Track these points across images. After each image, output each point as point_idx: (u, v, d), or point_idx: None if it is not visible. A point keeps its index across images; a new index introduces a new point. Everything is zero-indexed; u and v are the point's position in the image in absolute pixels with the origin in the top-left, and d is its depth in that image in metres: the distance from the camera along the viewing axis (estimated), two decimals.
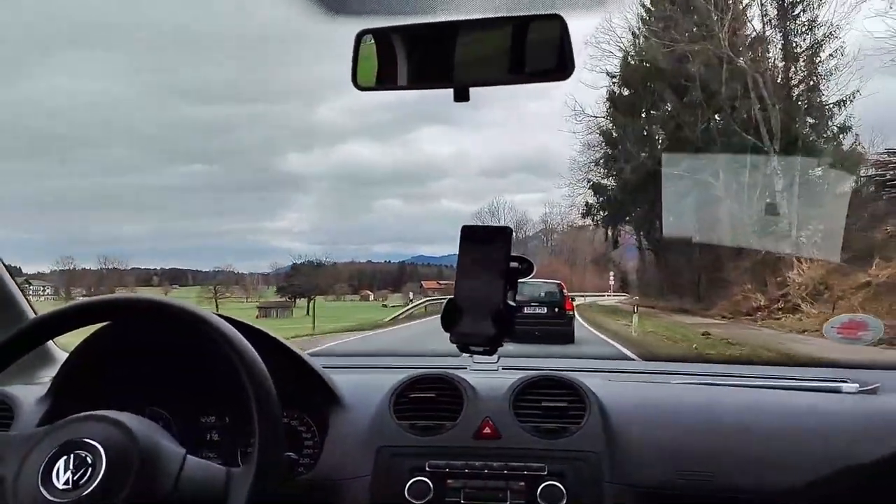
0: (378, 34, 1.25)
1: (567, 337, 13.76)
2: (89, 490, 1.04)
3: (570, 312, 14.73)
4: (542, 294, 14.63)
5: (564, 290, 15.15)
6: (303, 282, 36.18)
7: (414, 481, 1.45)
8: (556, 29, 1.18)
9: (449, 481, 1.46)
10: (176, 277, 38.35)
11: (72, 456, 1.07)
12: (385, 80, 1.26)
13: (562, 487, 1.43)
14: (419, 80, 1.26)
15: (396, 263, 47.75)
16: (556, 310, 14.41)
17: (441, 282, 42.70)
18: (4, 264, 1.87)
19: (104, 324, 1.52)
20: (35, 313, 1.91)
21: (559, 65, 1.19)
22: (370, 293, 41.81)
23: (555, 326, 13.71)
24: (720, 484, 1.44)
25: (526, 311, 14.07)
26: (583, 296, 32.16)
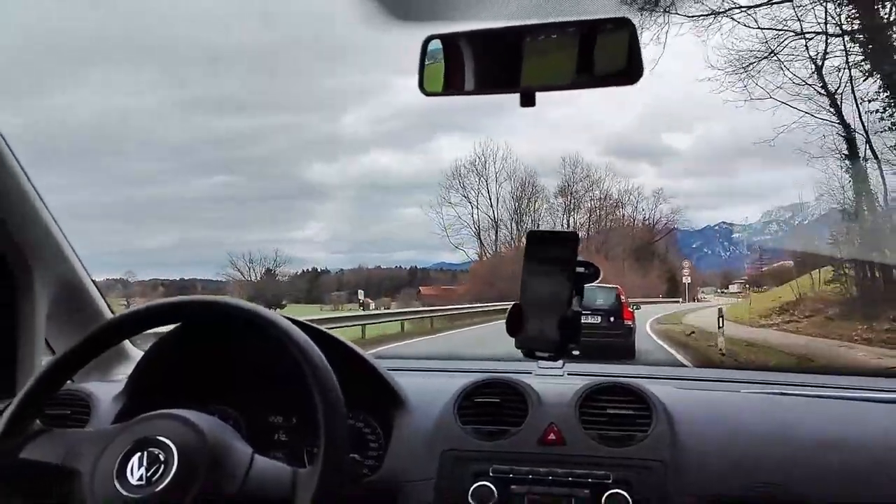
0: (445, 39, 1.25)
1: (627, 351, 12.43)
2: (162, 486, 1.07)
3: (629, 323, 13.18)
4: (598, 301, 12.97)
5: (623, 297, 13.58)
6: (268, 289, 35.32)
7: (478, 486, 1.45)
8: (624, 33, 1.17)
9: (513, 487, 1.45)
10: (185, 288, 37.98)
11: (145, 453, 1.10)
12: (452, 86, 1.26)
13: (627, 496, 1.41)
14: (486, 85, 1.26)
15: (406, 269, 44.82)
16: (613, 319, 12.86)
17: (443, 287, 40.10)
18: (84, 266, 1.93)
19: (177, 324, 1.57)
20: (112, 313, 1.97)
21: (628, 69, 1.17)
22: (370, 301, 39.28)
23: (612, 338, 12.26)
24: (791, 497, 1.40)
25: None
26: (643, 304, 23.84)
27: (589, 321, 12.28)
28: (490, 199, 46.98)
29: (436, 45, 1.25)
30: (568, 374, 1.84)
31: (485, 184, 46.79)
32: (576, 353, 1.30)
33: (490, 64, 1.24)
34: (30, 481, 1.20)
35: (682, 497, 1.42)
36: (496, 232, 46.37)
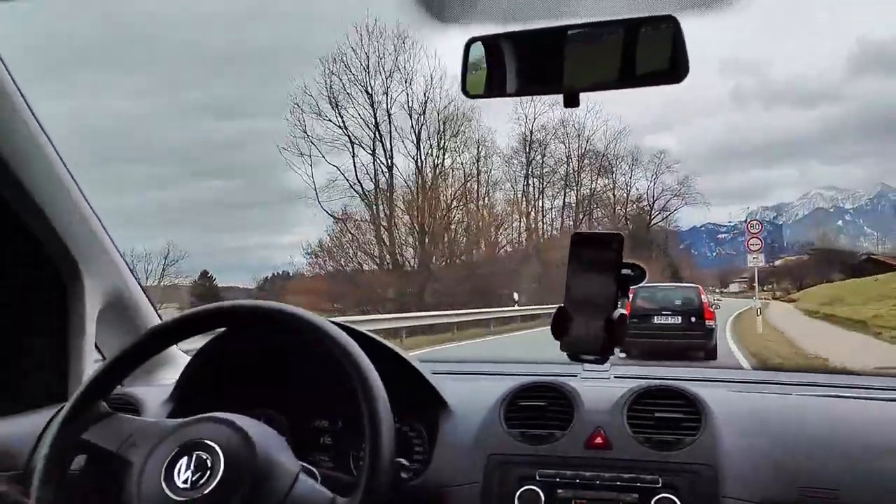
0: (487, 41, 1.25)
1: (708, 352, 12.08)
2: (206, 492, 1.09)
3: (711, 323, 12.63)
4: (677, 301, 12.87)
5: (703, 296, 13.17)
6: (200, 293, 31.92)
7: (524, 490, 1.44)
8: (668, 30, 1.15)
9: (559, 491, 1.44)
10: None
11: (193, 456, 1.12)
12: (495, 88, 1.26)
13: (676, 501, 1.39)
14: (528, 86, 1.26)
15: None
16: (693, 319, 12.47)
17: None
18: (133, 271, 1.97)
19: (223, 329, 1.58)
20: (160, 318, 2.00)
21: (672, 68, 1.16)
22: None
23: (692, 339, 12.09)
24: (847, 502, 1.37)
25: (657, 320, 12.38)
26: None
27: (669, 322, 12.47)
28: (377, 128, 32.45)
29: (477, 47, 1.25)
30: (614, 378, 1.81)
31: (365, 97, 32.43)
32: (622, 355, 1.29)
33: (532, 65, 1.23)
34: (85, 463, 1.24)
35: (733, 502, 1.40)
36: (389, 182, 32.15)
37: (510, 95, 1.26)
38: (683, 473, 1.42)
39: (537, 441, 1.52)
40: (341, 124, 32.30)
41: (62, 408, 1.28)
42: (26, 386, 1.77)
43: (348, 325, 1.38)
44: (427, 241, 30.37)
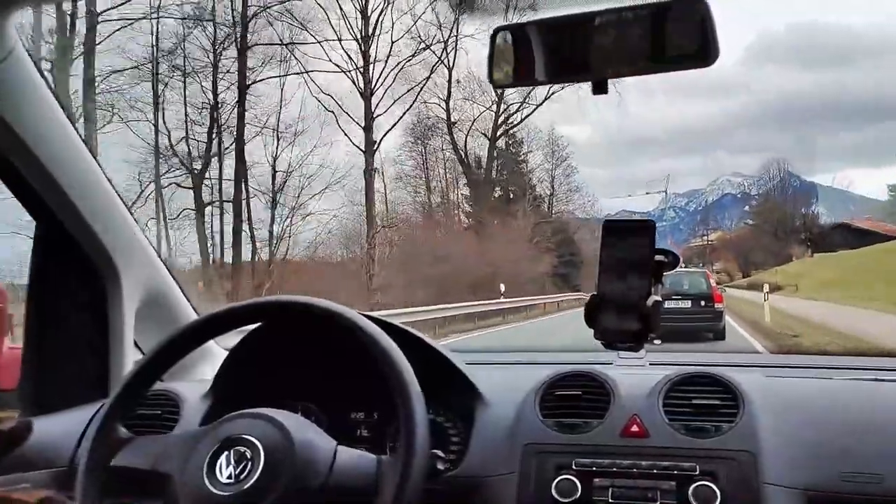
0: (513, 30, 1.24)
1: (716, 333, 12.79)
2: (250, 483, 1.11)
3: (720, 305, 13.46)
4: (686, 285, 13.53)
5: (711, 280, 14.03)
6: None
7: (560, 479, 1.44)
8: (697, 12, 1.14)
9: (596, 480, 1.43)
10: None
11: (232, 451, 1.15)
12: (522, 76, 1.25)
13: (714, 488, 1.37)
14: (556, 74, 1.25)
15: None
16: (703, 303, 13.26)
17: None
18: (169, 268, 1.99)
19: (258, 324, 1.60)
20: (197, 315, 2.03)
21: (702, 51, 1.14)
22: None
23: (702, 322, 12.73)
24: (888, 489, 1.34)
25: (667, 305, 13.03)
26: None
27: (679, 306, 13.01)
28: None
29: (504, 36, 1.24)
30: (650, 364, 1.80)
31: None
32: (657, 342, 1.28)
33: (560, 53, 1.22)
34: (122, 487, 1.26)
35: (772, 488, 1.38)
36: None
37: (538, 84, 1.25)
38: (722, 460, 1.41)
39: (573, 430, 1.51)
40: None
41: (103, 404, 1.31)
42: (68, 383, 1.81)
43: (380, 317, 1.39)
44: None
